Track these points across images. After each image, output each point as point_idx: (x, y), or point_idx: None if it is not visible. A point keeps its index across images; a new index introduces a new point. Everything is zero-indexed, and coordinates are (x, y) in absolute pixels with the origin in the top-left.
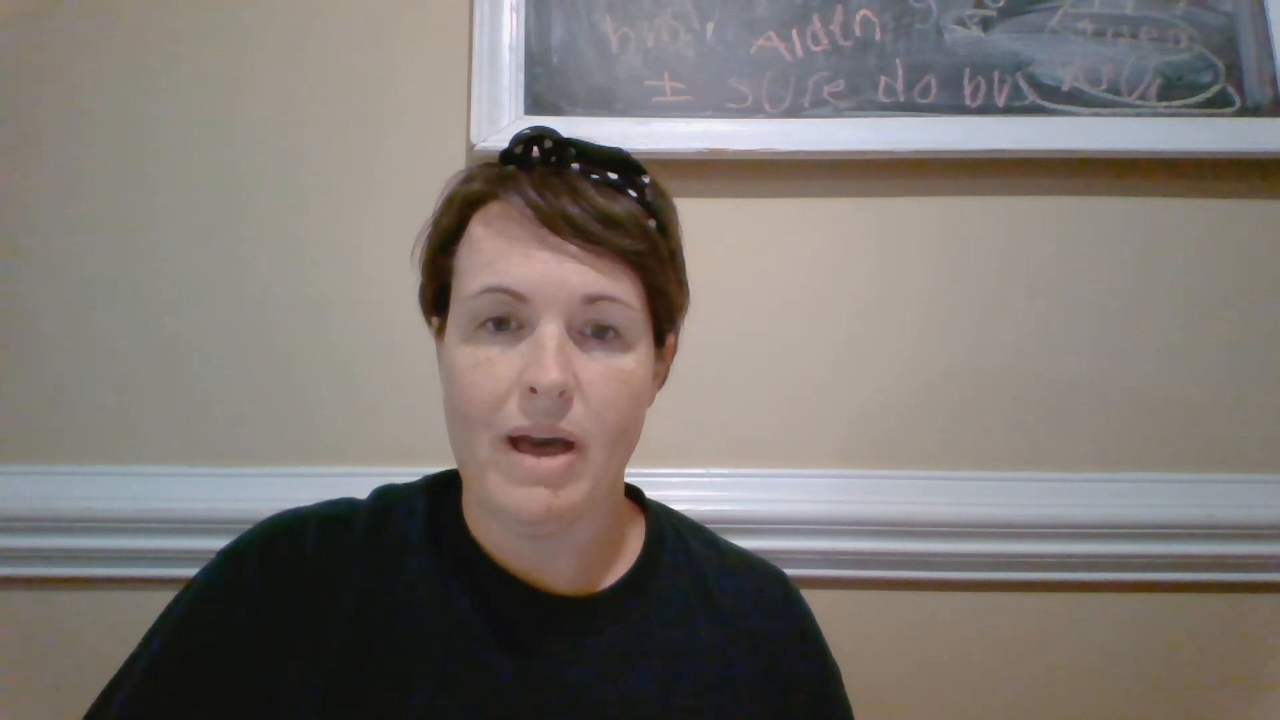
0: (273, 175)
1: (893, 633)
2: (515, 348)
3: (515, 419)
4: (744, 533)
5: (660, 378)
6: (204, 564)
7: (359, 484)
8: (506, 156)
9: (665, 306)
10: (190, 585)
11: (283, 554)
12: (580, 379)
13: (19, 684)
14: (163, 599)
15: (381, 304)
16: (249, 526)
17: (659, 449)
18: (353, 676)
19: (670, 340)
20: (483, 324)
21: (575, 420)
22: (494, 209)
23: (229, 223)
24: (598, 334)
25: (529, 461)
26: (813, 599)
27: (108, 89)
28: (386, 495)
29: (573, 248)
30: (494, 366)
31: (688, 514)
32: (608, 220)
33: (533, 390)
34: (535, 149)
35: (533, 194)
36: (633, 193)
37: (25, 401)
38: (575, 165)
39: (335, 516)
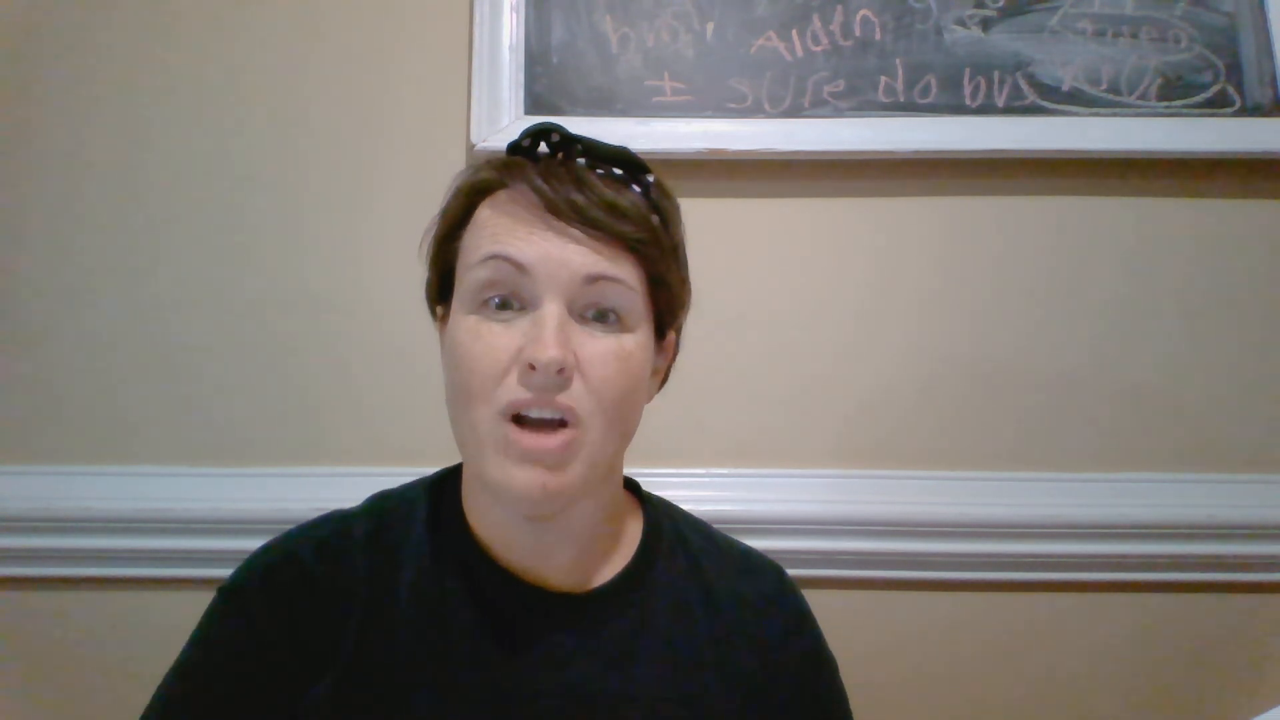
0: (273, 175)
1: (892, 633)
2: (517, 325)
3: (515, 391)
4: (744, 532)
5: (661, 376)
6: (203, 563)
7: (359, 484)
8: (514, 149)
9: (666, 297)
10: (197, 628)
11: (285, 581)
12: (580, 357)
13: (19, 684)
14: (163, 599)
15: (382, 304)
16: (248, 526)
17: (660, 449)
18: (358, 680)
19: (671, 337)
20: (486, 301)
21: (574, 396)
22: (501, 196)
23: (229, 223)
24: (599, 317)
25: (527, 439)
26: (812, 599)
27: (108, 87)
28: (382, 500)
29: (576, 231)
30: (495, 340)
31: None
32: (612, 208)
33: (532, 367)
34: (542, 143)
35: (540, 181)
36: (637, 188)
37: (25, 401)
38: (581, 160)
39: (332, 532)
